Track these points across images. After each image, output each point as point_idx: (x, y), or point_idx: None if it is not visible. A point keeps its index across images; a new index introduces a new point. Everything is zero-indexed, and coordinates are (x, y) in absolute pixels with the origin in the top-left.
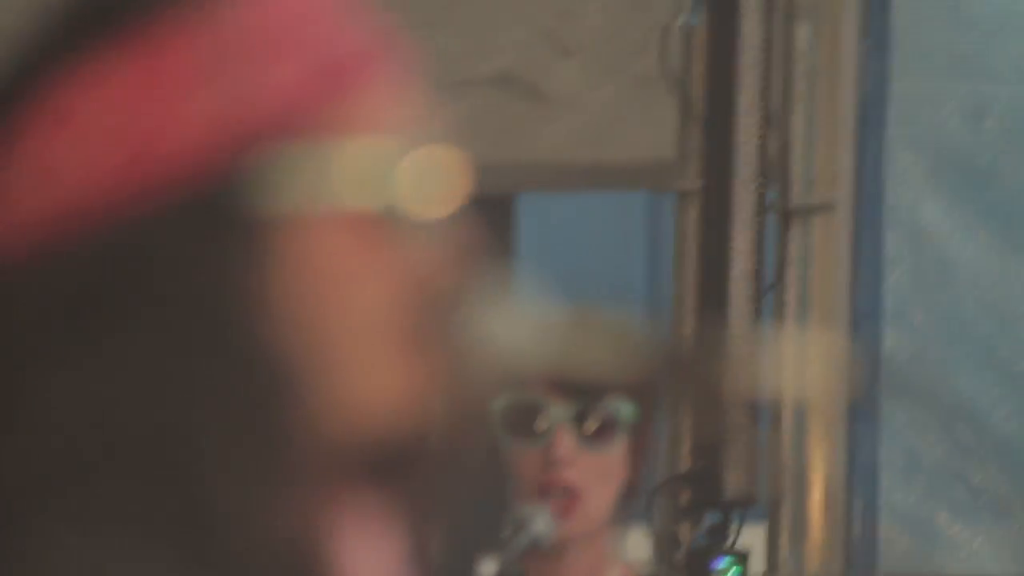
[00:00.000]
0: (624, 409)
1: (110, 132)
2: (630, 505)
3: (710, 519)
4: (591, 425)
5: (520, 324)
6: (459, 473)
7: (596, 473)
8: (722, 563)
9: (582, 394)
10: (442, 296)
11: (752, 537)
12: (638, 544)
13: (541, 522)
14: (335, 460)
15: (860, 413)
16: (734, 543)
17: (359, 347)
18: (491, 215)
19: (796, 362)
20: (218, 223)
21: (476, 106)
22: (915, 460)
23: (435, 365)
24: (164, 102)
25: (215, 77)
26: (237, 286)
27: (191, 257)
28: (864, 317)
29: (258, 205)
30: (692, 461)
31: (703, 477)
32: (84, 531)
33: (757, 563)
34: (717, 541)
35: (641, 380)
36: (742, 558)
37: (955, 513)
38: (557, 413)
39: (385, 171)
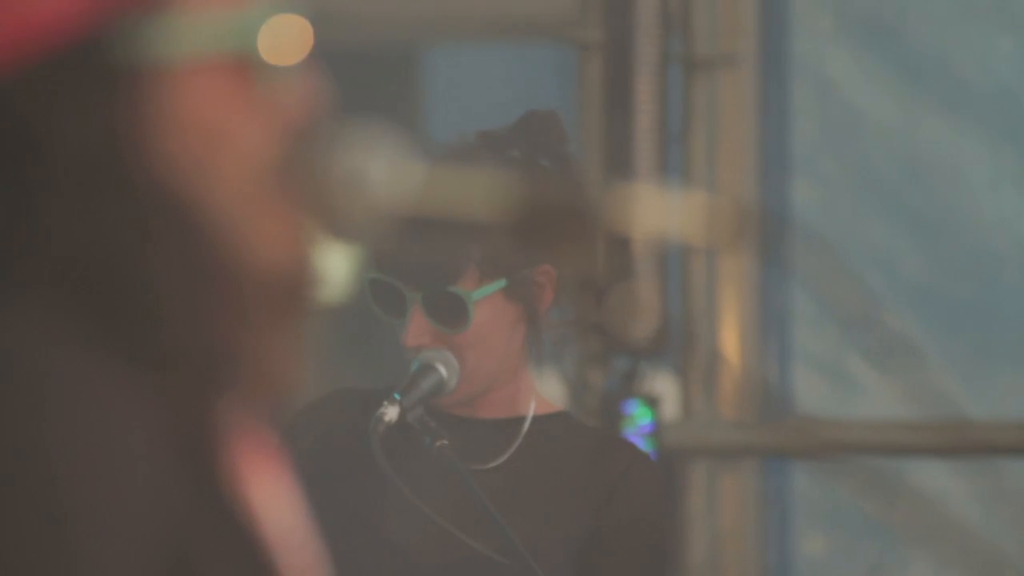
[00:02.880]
0: (468, 296)
1: None
2: (536, 346)
3: (620, 365)
4: (440, 309)
5: (383, 166)
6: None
7: (463, 347)
8: (634, 407)
9: (429, 283)
10: (305, 138)
11: (665, 383)
12: (551, 389)
13: (444, 365)
14: (225, 299)
15: (771, 262)
16: (646, 389)
17: (238, 189)
18: (398, 67)
19: (704, 211)
20: (91, 78)
21: None
22: (827, 308)
23: (306, 206)
24: None
25: None
26: (117, 136)
27: (69, 113)
28: (772, 167)
29: (130, 58)
30: (600, 308)
31: (611, 324)
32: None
33: (670, 408)
34: (628, 386)
35: (537, 233)
36: (654, 402)
37: (868, 359)
38: (410, 296)
39: (244, 21)
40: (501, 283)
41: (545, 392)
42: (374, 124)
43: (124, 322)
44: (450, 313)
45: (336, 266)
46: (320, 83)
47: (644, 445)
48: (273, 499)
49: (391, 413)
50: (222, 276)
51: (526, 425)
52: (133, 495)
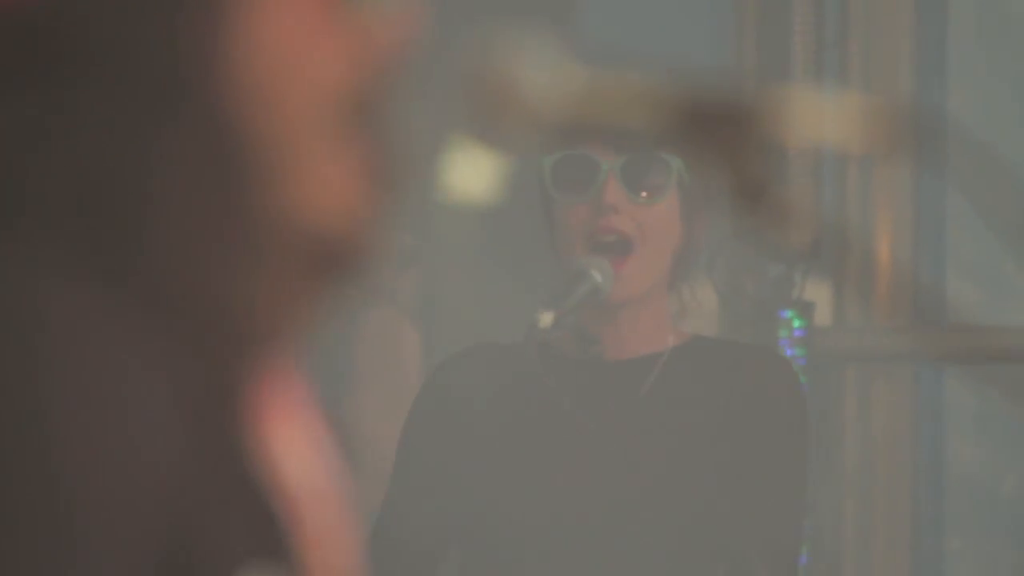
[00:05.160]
0: (674, 162)
1: None
2: (687, 269)
3: (774, 271)
4: (641, 174)
5: (541, 71)
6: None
7: (648, 225)
8: (786, 314)
9: (631, 147)
10: (389, 73)
11: (819, 289)
12: (703, 297)
13: (599, 272)
14: (283, 245)
15: (926, 167)
16: (800, 295)
17: (303, 128)
18: None
19: (861, 116)
20: None
21: None
22: (983, 213)
23: (380, 147)
24: None
25: None
26: (192, 48)
27: (144, 15)
28: (929, 72)
29: None
30: (755, 214)
31: (767, 230)
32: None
33: (823, 315)
34: (782, 293)
35: (694, 138)
36: (807, 309)
37: None
38: (607, 164)
39: None
40: (687, 181)
41: (697, 299)
42: (529, 29)
43: (141, 261)
44: (650, 181)
45: (481, 173)
46: (417, 13)
47: (796, 351)
48: (298, 452)
49: (546, 319)
50: (258, 221)
51: (664, 358)
52: (135, 449)
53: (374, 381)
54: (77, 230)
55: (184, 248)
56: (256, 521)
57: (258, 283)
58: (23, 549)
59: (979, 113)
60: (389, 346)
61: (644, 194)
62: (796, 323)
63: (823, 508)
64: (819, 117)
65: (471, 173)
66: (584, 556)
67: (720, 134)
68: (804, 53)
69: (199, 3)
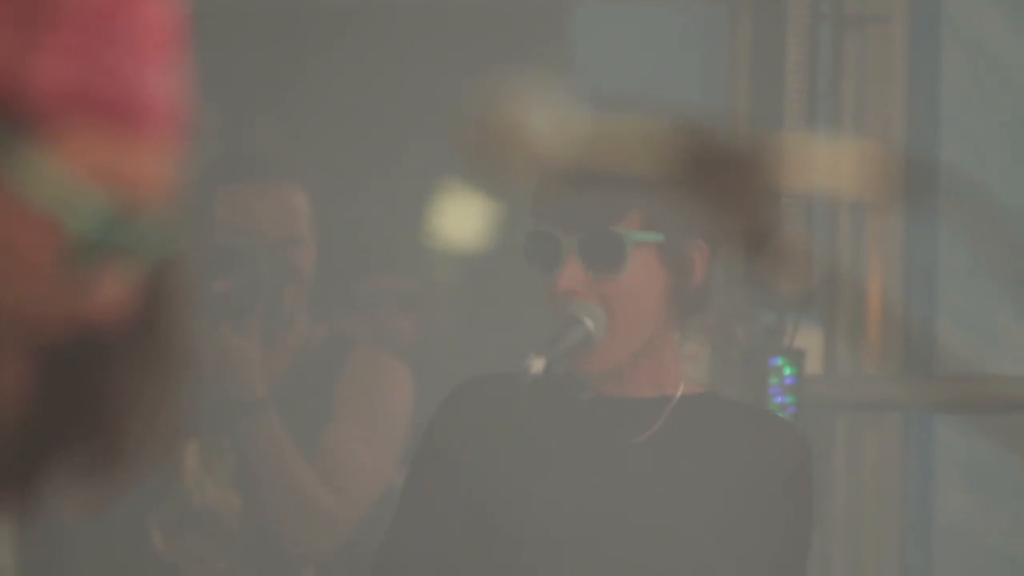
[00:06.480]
0: (627, 236)
1: None
2: (692, 302)
3: (766, 319)
4: (597, 250)
5: (546, 117)
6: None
7: (613, 299)
8: (777, 362)
9: (587, 224)
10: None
11: (809, 338)
12: (696, 343)
13: (592, 318)
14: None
15: (918, 215)
16: (790, 343)
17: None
18: (546, 25)
19: (853, 164)
20: None
21: None
22: (974, 262)
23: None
24: None
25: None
26: None
27: None
28: (921, 125)
29: None
30: (747, 262)
31: (758, 278)
32: None
33: (814, 363)
34: (773, 340)
35: (698, 184)
36: (798, 357)
37: (1016, 315)
38: (567, 242)
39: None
40: (659, 237)
41: (689, 346)
42: (531, 76)
43: None
44: (606, 257)
45: (473, 218)
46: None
47: (786, 399)
48: None
49: (537, 365)
50: None
51: (673, 404)
52: None
53: (359, 412)
54: None
55: None
56: None
57: None
58: None
59: (971, 162)
60: (375, 380)
61: (603, 270)
62: (787, 371)
63: (812, 556)
64: (813, 164)
65: (463, 218)
66: None
67: (724, 180)
68: (796, 101)
69: None
